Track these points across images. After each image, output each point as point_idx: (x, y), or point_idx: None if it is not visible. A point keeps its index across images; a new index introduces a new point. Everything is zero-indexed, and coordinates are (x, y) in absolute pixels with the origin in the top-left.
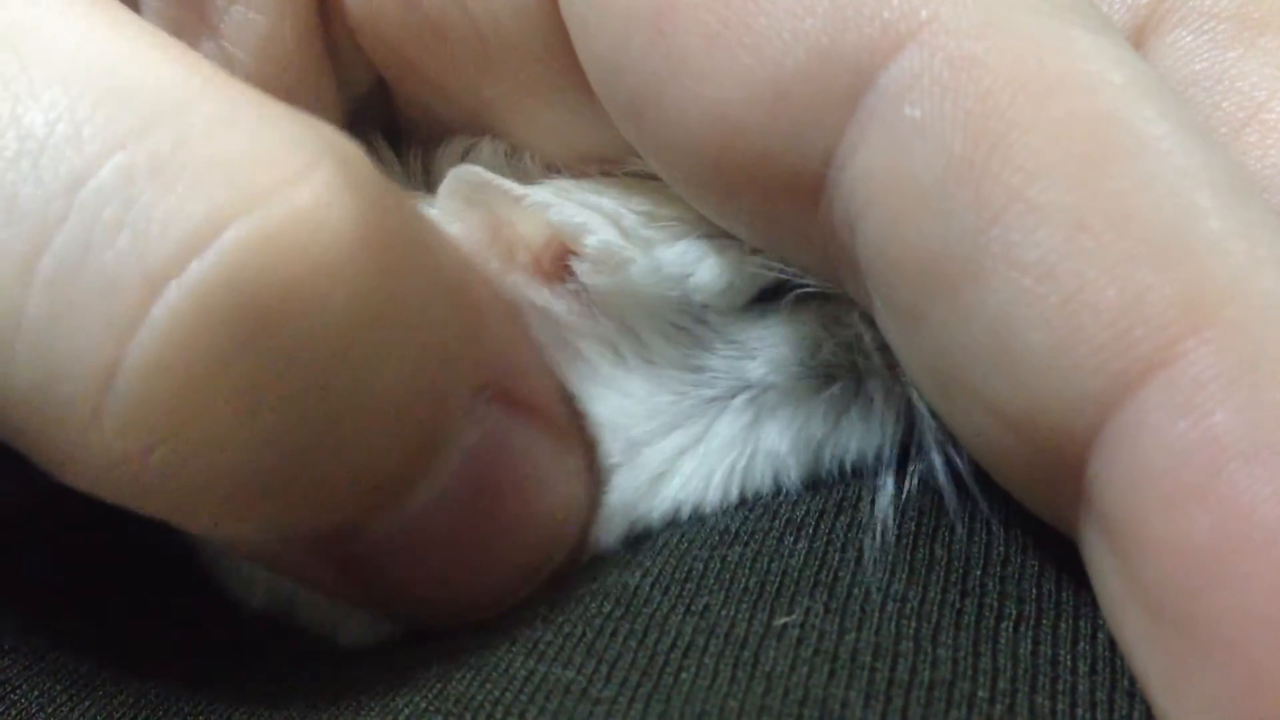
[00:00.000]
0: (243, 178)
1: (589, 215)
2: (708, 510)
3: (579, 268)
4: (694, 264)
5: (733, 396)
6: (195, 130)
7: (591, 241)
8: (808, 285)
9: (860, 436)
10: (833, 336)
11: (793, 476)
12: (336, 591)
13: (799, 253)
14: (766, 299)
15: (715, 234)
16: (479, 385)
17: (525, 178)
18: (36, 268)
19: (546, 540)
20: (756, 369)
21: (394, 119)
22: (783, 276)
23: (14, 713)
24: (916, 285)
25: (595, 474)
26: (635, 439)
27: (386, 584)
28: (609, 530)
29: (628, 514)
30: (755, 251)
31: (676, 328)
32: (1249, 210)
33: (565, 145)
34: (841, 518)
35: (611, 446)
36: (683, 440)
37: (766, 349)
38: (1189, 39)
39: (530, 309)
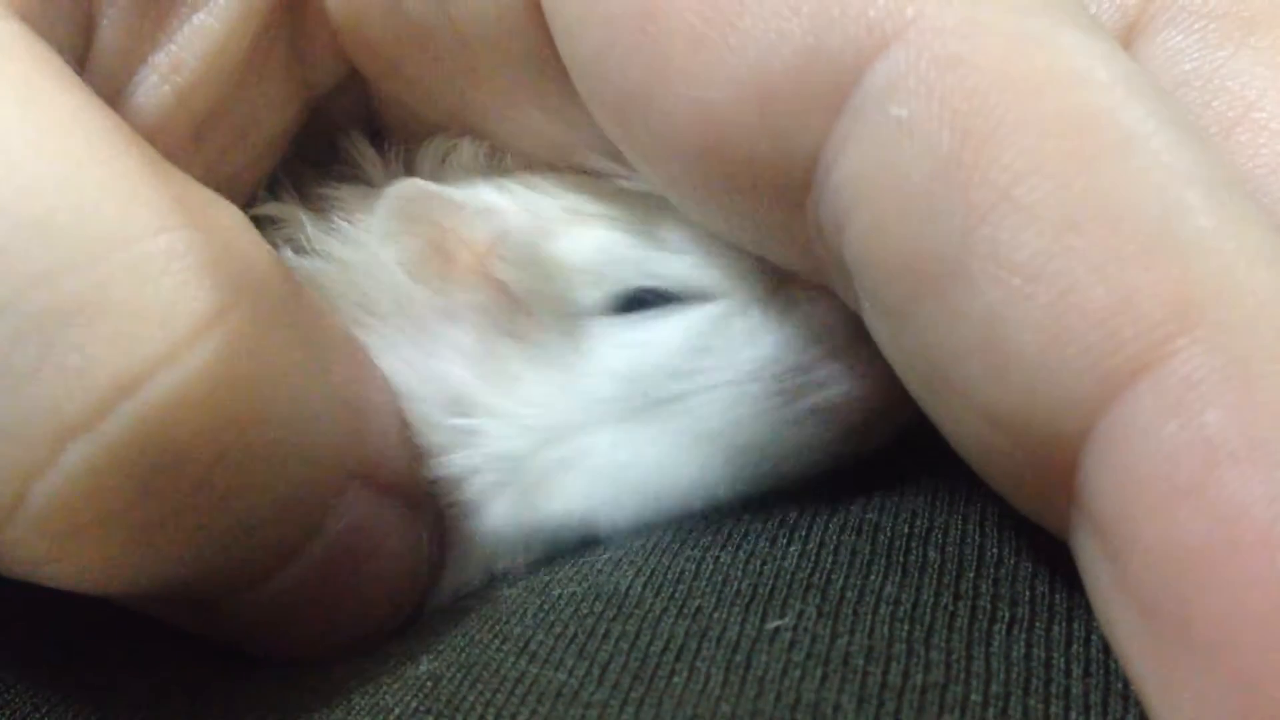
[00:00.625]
0: (161, 331)
1: (520, 215)
2: (601, 519)
3: (499, 266)
4: (590, 263)
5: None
6: (120, 273)
7: (510, 240)
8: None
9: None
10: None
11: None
12: (201, 632)
13: (786, 252)
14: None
15: (634, 229)
16: (354, 475)
17: (504, 178)
18: None
19: (396, 599)
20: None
21: (373, 117)
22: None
23: (10, 715)
24: (904, 285)
25: (440, 533)
26: (558, 430)
27: (250, 639)
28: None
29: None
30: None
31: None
32: (1238, 208)
33: (547, 146)
34: (834, 520)
35: (535, 437)
36: (606, 437)
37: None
38: (1178, 38)
39: (467, 310)
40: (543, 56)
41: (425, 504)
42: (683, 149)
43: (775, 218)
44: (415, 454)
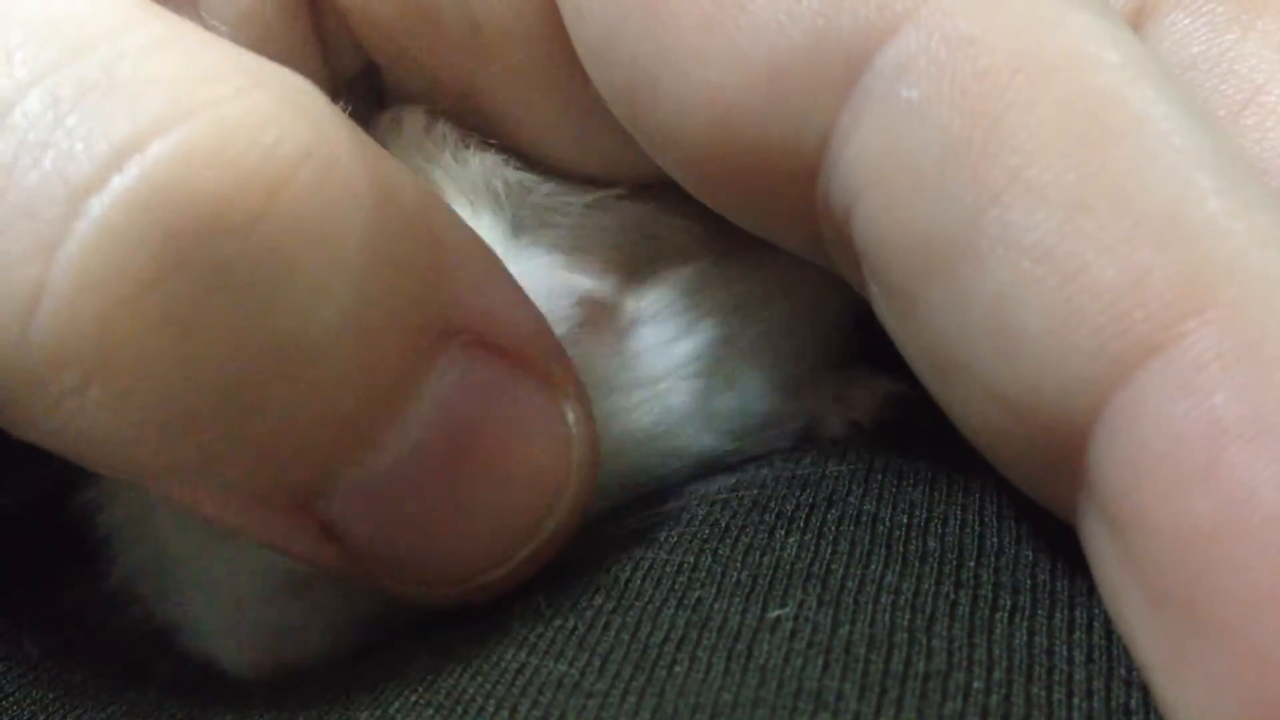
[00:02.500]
0: (173, 94)
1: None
2: None
3: None
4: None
5: None
6: (128, 53)
7: None
8: None
9: None
10: None
11: None
12: (324, 562)
13: (795, 236)
14: None
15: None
16: (450, 328)
17: (438, 150)
18: None
19: (539, 496)
20: None
21: (384, 104)
22: None
23: None
24: (913, 268)
25: (592, 426)
26: None
27: (368, 548)
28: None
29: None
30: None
31: None
32: (1248, 190)
33: (556, 133)
34: (832, 511)
35: None
36: None
37: None
38: (1186, 21)
39: None
40: (554, 40)
41: (568, 384)
42: (691, 131)
43: (784, 200)
44: (536, 318)
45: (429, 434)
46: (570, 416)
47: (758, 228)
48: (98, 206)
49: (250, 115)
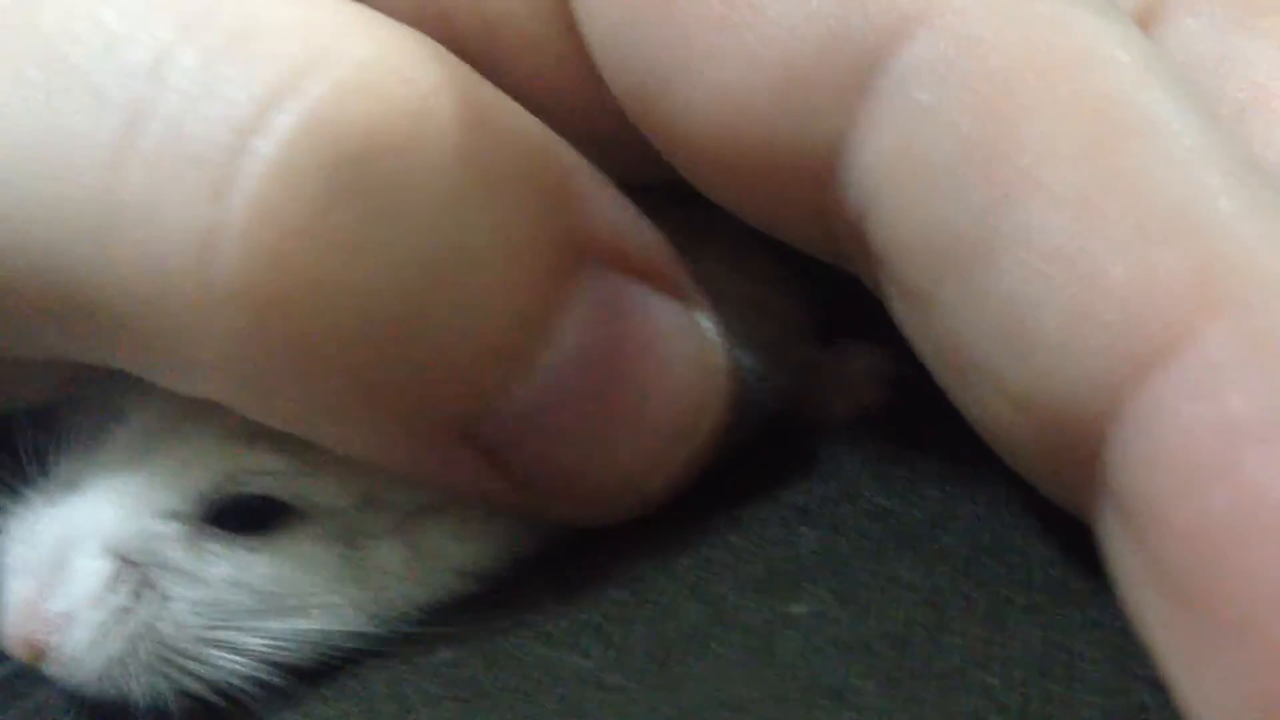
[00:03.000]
0: (315, 37)
1: None
2: None
3: None
4: None
5: None
6: (261, 5)
7: None
8: None
9: None
10: None
11: None
12: (483, 489)
13: (809, 238)
14: None
15: None
16: (585, 248)
17: None
18: (128, 153)
19: (688, 404)
20: None
21: None
22: None
23: None
24: (928, 268)
25: (723, 335)
26: None
27: (528, 467)
28: None
29: None
30: None
31: None
32: (1259, 191)
33: (570, 135)
34: (847, 505)
35: None
36: None
37: None
38: (1193, 23)
39: None
40: (568, 43)
41: (698, 296)
42: (704, 132)
43: (796, 200)
44: (661, 240)
45: (578, 353)
46: (705, 327)
47: (769, 227)
48: (264, 146)
49: (389, 53)
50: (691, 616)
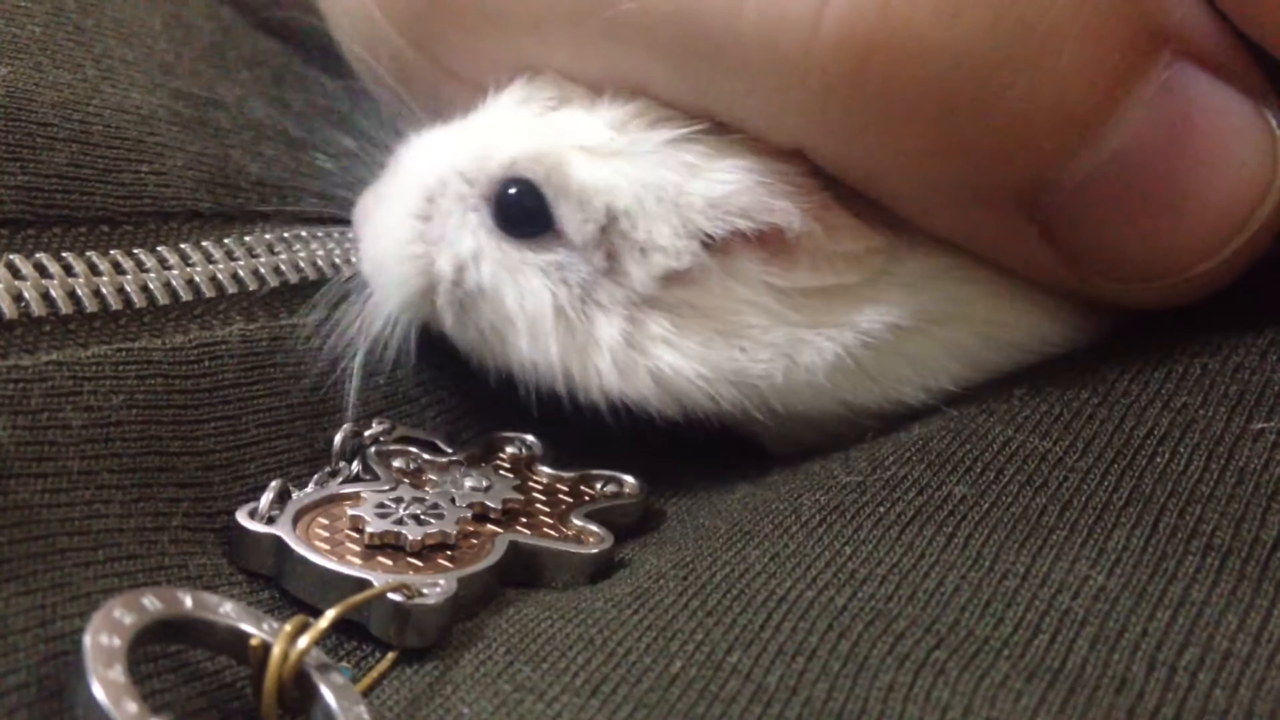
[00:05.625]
0: None
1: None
2: None
3: None
4: None
5: None
6: None
7: None
8: None
9: None
10: None
11: None
12: (1033, 262)
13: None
14: None
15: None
16: (1162, 35)
17: None
18: None
19: (1247, 190)
20: None
21: None
22: None
23: None
24: None
25: None
26: None
27: (1084, 239)
28: None
29: None
30: None
31: None
32: None
33: None
34: None
35: None
36: None
37: None
38: None
39: None
40: None
41: (1270, 94)
42: None
43: None
44: (1238, 43)
45: (1144, 130)
46: (1273, 120)
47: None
48: None
49: None
50: (1156, 420)
